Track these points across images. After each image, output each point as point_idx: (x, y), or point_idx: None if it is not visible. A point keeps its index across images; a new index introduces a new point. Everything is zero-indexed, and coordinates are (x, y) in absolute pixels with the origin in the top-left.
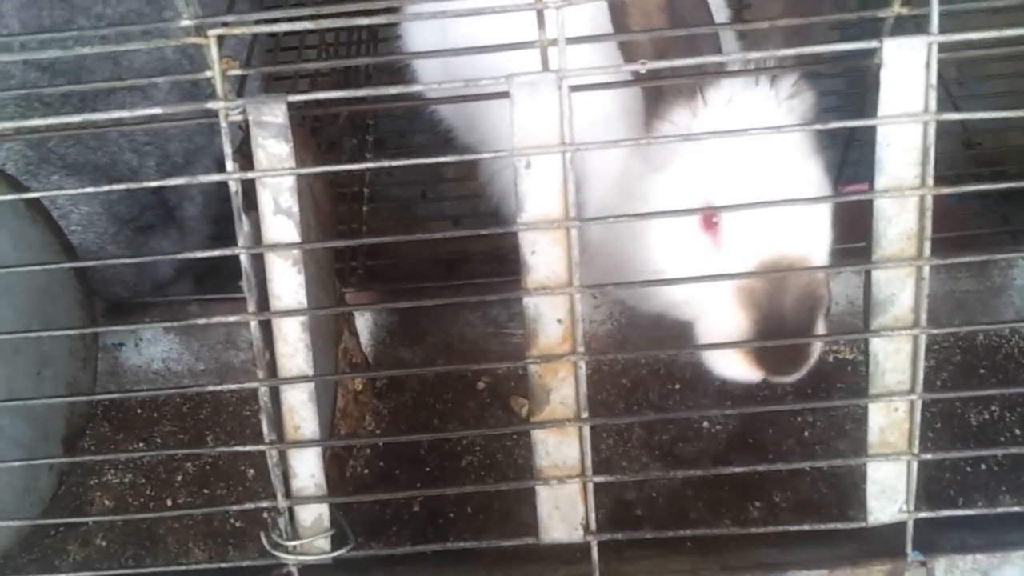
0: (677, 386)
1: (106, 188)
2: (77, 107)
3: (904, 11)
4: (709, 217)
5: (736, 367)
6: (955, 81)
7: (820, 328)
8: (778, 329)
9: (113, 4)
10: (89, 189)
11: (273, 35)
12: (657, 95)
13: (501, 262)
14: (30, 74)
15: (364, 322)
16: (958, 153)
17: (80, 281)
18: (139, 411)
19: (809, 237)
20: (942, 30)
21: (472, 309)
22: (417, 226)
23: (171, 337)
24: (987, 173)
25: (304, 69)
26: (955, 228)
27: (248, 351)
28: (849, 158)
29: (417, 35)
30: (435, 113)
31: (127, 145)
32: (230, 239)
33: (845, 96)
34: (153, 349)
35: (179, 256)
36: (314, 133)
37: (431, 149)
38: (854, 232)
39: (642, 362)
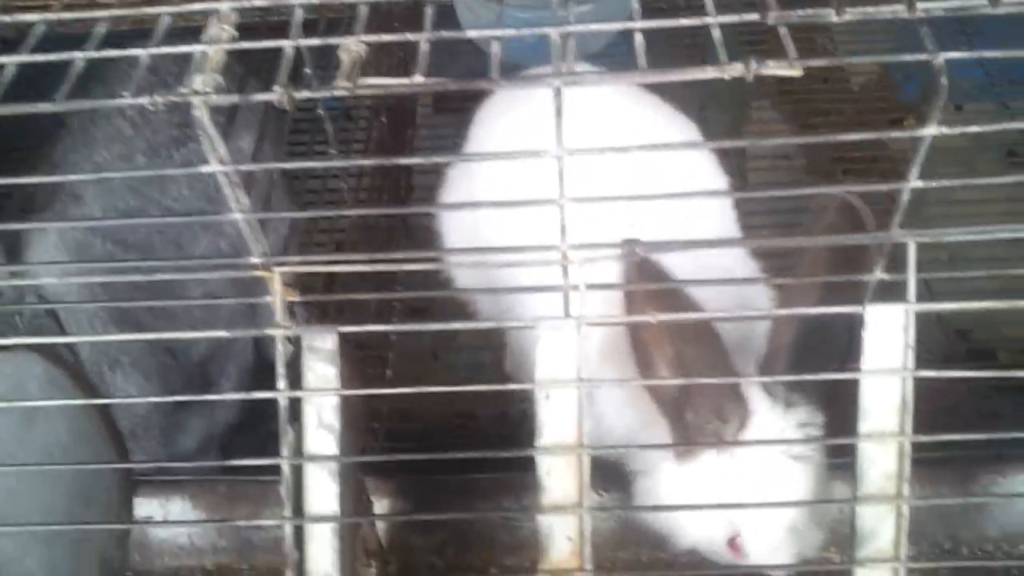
0: None
1: (172, 400)
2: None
3: (886, 277)
4: (734, 539)
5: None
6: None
7: None
8: None
9: (180, 199)
10: (155, 399)
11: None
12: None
13: (507, 423)
14: (107, 247)
15: (380, 507)
16: (947, 343)
17: (121, 461)
18: None
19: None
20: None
21: (485, 500)
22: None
23: (197, 512)
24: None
25: (355, 300)
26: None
27: (269, 530)
28: None
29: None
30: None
31: (185, 320)
32: (255, 411)
33: None
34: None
35: (227, 465)
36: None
37: (447, 310)
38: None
39: (643, 559)
